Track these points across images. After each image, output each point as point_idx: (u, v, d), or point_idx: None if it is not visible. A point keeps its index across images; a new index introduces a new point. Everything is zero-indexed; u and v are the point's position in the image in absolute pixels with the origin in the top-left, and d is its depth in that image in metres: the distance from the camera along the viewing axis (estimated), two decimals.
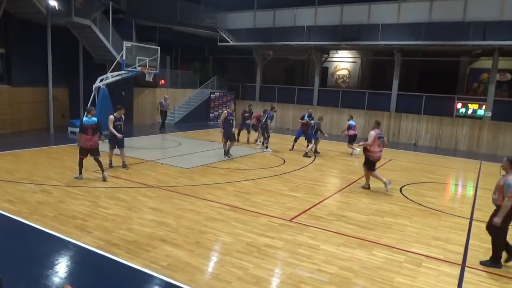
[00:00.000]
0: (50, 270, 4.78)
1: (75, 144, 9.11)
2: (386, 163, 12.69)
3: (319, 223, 6.72)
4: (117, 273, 4.82)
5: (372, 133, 8.82)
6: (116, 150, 9.99)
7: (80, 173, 8.84)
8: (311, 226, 6.58)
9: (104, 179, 8.75)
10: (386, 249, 5.77)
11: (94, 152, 8.80)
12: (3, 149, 11.73)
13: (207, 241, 5.75)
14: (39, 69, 15.53)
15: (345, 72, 24.40)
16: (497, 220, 5.11)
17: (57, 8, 14.04)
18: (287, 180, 9.72)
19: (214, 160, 11.55)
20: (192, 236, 5.90)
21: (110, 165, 9.95)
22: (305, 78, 25.35)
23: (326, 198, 8.37)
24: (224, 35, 21.94)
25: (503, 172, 5.33)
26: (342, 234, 6.27)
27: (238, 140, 14.16)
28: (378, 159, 9.06)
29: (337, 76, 24.57)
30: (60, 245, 5.47)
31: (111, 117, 9.80)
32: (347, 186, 9.52)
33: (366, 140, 8.98)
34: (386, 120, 18.82)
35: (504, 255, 5.34)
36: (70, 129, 15.67)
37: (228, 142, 11.99)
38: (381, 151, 9.01)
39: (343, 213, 7.38)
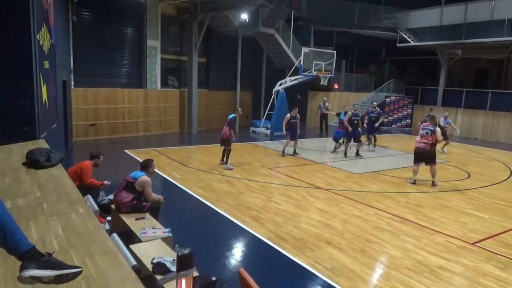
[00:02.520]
0: (229, 252, 5.46)
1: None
2: None
3: None
4: (284, 266, 5.13)
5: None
6: (291, 143, 12.04)
7: (226, 162, 10.12)
8: (501, 254, 5.59)
9: (223, 168, 10.01)
10: None
11: (222, 142, 10.08)
12: (199, 143, 14.15)
13: (373, 251, 5.54)
14: (229, 75, 17.84)
15: None
16: None
17: (247, 20, 15.84)
18: (471, 197, 8.50)
19: (386, 167, 11.02)
20: (358, 243, 5.79)
21: (283, 154, 12.00)
22: (502, 81, 21.55)
23: None
24: (404, 35, 20.61)
25: None
26: None
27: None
28: (417, 151, 9.23)
29: None
30: (237, 231, 6.18)
31: (288, 115, 11.76)
32: None
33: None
34: None
35: None
36: (252, 128, 17.49)
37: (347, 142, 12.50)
38: (421, 142, 9.22)
39: None
